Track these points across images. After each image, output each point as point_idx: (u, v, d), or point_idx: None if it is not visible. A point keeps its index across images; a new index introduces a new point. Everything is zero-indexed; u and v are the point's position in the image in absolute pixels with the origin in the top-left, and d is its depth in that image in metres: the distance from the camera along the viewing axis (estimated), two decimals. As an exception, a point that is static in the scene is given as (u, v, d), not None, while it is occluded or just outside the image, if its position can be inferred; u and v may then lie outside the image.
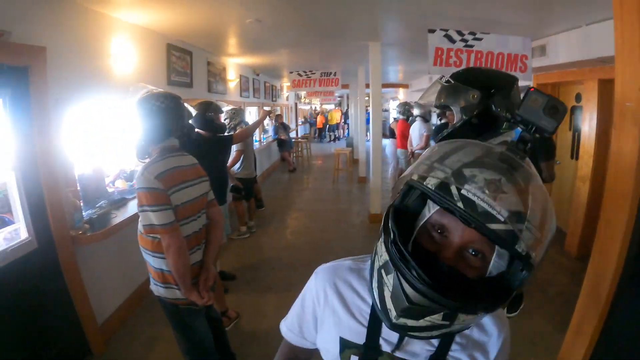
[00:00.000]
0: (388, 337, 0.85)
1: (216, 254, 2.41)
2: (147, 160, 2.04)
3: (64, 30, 3.18)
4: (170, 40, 5.11)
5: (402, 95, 16.17)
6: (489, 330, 0.87)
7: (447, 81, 1.76)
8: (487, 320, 0.87)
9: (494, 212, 0.60)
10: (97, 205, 3.53)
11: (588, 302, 1.95)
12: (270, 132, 12.12)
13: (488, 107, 1.63)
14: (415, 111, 7.29)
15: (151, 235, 2.01)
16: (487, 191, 0.61)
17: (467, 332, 0.85)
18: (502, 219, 0.60)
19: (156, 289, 2.11)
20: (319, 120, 23.02)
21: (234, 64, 8.19)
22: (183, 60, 5.49)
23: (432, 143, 5.10)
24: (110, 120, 4.10)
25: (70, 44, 3.24)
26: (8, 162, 2.68)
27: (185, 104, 2.26)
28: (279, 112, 13.75)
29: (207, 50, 6.48)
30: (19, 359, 2.59)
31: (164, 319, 2.26)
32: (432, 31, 4.23)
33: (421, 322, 0.68)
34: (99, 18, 3.67)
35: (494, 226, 0.61)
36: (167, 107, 2.03)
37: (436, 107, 1.84)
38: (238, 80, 8.30)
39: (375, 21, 4.86)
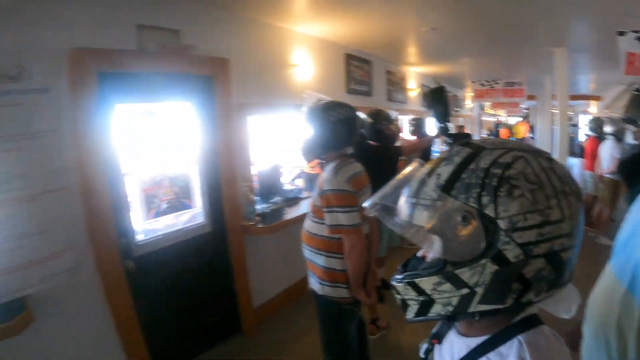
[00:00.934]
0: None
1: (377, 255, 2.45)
2: (327, 164, 2.15)
3: (246, 43, 3.52)
4: (349, 50, 5.14)
5: (593, 108, 13.78)
6: None
7: (638, 90, 1.32)
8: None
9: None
10: (271, 201, 3.79)
11: None
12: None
13: None
14: (607, 128, 5.97)
15: (329, 235, 2.07)
16: None
17: None
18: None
19: (321, 287, 2.16)
20: (503, 133, 21.10)
21: (414, 73, 7.94)
22: (362, 69, 5.48)
23: None
24: (289, 124, 4.39)
25: (251, 56, 3.56)
26: (193, 156, 3.15)
27: (358, 112, 2.34)
28: (461, 124, 13.09)
29: (386, 59, 6.36)
30: (181, 318, 3.05)
31: (314, 317, 2.34)
32: (621, 33, 3.57)
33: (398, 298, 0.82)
34: (278, 32, 3.92)
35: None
36: (346, 118, 2.14)
37: (624, 120, 1.41)
38: (419, 89, 8.12)
39: (559, 24, 4.15)
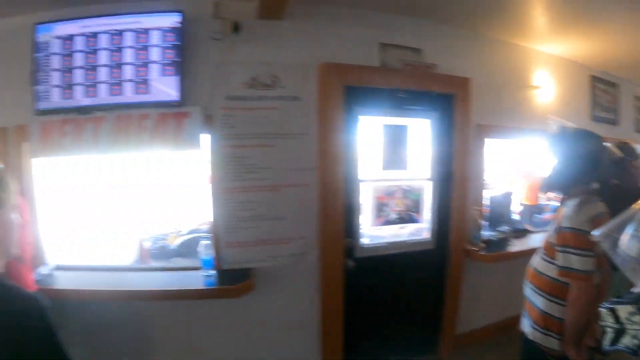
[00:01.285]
0: None
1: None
2: (569, 200, 1.96)
3: (486, 63, 3.40)
4: (593, 72, 4.47)
5: None
6: None
7: None
8: None
9: None
10: (498, 229, 3.65)
11: None
12: None
13: None
14: None
15: (557, 278, 1.89)
16: None
17: None
18: None
19: (532, 331, 2.00)
20: None
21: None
22: (608, 94, 4.69)
23: None
24: (527, 150, 4.17)
25: (491, 76, 3.39)
26: (427, 172, 3.17)
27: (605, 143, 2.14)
28: None
29: (635, 82, 5.41)
30: (382, 324, 3.20)
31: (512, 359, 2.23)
32: None
33: None
34: (519, 50, 3.68)
35: None
36: (596, 150, 1.97)
37: None
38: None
39: None
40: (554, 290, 1.92)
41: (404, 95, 2.93)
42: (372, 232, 3.08)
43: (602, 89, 4.59)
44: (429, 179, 3.17)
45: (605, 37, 3.56)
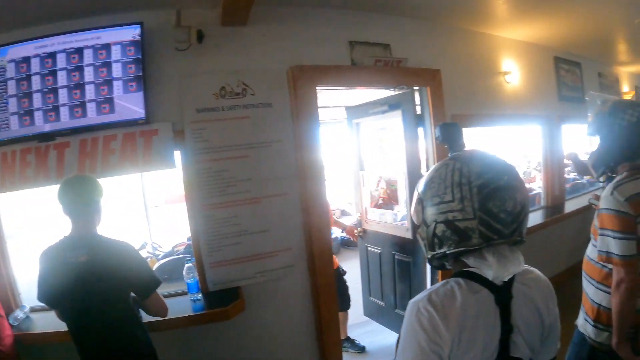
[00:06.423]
0: None
1: None
2: (616, 179, 1.77)
3: (455, 53, 3.41)
4: (557, 53, 4.61)
5: None
6: None
7: None
8: None
9: None
10: None
11: None
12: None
13: None
14: None
15: (601, 263, 1.73)
16: None
17: None
18: None
19: (583, 323, 1.85)
20: None
21: (627, 74, 6.76)
22: (572, 74, 4.83)
23: None
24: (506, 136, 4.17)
25: (461, 65, 3.41)
26: (401, 165, 3.22)
27: None
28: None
29: (596, 60, 5.53)
30: None
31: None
32: None
33: None
34: (486, 39, 3.73)
35: None
36: None
37: None
38: (633, 92, 6.84)
39: None
40: (603, 277, 1.76)
41: (377, 92, 3.02)
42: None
43: (565, 68, 4.72)
44: (402, 173, 3.21)
45: (565, 19, 3.65)
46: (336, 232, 6.81)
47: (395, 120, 3.16)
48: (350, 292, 3.50)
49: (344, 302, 3.39)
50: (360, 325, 3.88)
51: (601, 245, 1.72)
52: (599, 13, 3.57)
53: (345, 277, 3.49)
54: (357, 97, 3.87)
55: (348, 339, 3.47)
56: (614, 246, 1.64)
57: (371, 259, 3.72)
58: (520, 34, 3.99)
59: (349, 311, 3.47)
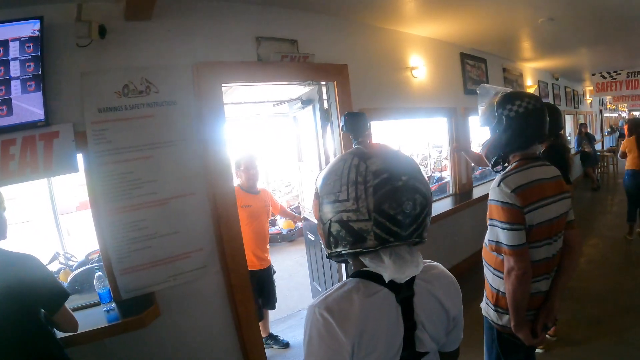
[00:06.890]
0: None
1: (565, 286, 1.92)
2: (505, 170, 1.79)
3: (362, 48, 3.47)
4: (463, 49, 4.85)
5: None
6: None
7: None
8: None
9: None
10: None
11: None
12: (573, 144, 10.33)
13: None
14: None
15: (495, 252, 1.76)
16: None
17: None
18: None
19: (485, 308, 1.89)
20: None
21: (531, 69, 7.29)
22: (478, 69, 5.12)
23: None
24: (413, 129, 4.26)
25: (368, 61, 3.49)
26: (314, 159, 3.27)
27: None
28: (582, 121, 11.77)
29: (501, 57, 5.91)
30: None
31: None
32: None
33: None
34: (393, 35, 3.84)
35: None
36: (531, 110, 1.70)
37: None
38: (536, 86, 7.40)
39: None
40: (498, 264, 1.78)
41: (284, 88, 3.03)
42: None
43: (471, 64, 4.99)
44: (318, 166, 3.22)
45: (471, 17, 3.82)
46: (281, 225, 6.70)
47: (308, 115, 3.21)
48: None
49: (271, 301, 3.40)
50: (281, 320, 3.90)
51: (490, 235, 1.75)
52: (504, 12, 3.74)
53: (274, 276, 3.50)
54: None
55: (270, 335, 3.46)
56: (503, 236, 1.67)
57: (310, 246, 3.89)
58: (428, 31, 4.13)
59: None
